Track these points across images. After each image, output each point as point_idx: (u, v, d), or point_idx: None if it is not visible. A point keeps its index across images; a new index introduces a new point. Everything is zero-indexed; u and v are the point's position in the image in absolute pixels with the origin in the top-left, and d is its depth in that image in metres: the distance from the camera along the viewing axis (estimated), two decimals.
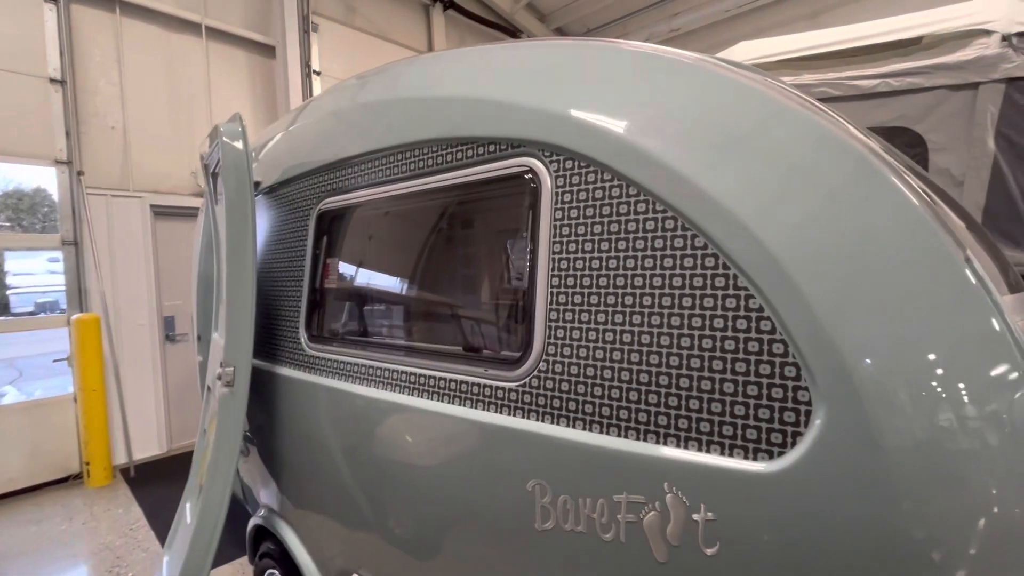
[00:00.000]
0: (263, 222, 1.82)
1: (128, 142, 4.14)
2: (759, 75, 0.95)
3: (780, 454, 0.70)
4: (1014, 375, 0.65)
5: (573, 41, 1.06)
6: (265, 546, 1.76)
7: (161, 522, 3.15)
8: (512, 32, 7.40)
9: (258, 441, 1.75)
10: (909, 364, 0.65)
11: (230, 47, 4.74)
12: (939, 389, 0.64)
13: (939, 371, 0.65)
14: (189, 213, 4.53)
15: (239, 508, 2.34)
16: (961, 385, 0.64)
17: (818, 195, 0.73)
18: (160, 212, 4.38)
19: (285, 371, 1.57)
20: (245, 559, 2.71)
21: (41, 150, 3.75)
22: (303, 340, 1.51)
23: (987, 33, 2.74)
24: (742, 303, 0.74)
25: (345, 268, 1.50)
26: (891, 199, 0.72)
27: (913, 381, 0.64)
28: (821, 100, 3.19)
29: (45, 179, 3.88)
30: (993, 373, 0.65)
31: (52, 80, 3.76)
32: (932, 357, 0.65)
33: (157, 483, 3.78)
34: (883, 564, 0.64)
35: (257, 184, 1.82)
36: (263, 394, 1.65)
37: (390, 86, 1.34)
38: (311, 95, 5.00)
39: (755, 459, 0.71)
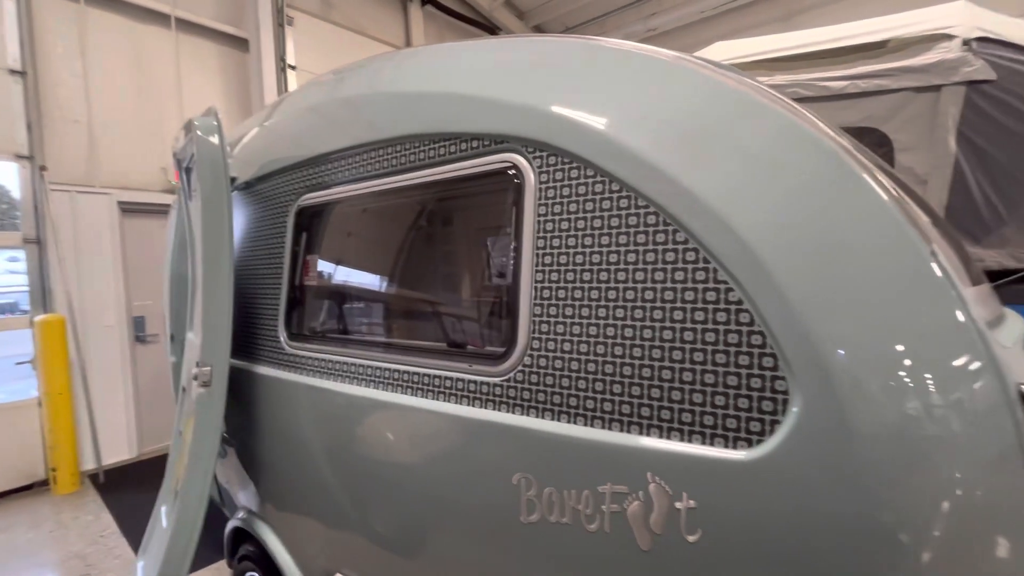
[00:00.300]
0: (239, 219, 1.78)
1: (94, 136, 4.00)
2: (737, 74, 0.97)
3: (759, 442, 0.72)
4: (976, 364, 0.69)
5: (556, 38, 1.07)
6: (244, 548, 1.73)
7: (133, 528, 3.06)
8: (491, 29, 7.39)
9: (236, 442, 1.72)
10: (879, 354, 0.68)
11: (201, 39, 4.61)
12: (907, 378, 0.67)
13: (907, 361, 0.68)
14: (159, 210, 4.40)
15: (215, 511, 2.29)
16: (927, 375, 0.67)
17: (795, 192, 0.76)
18: (128, 209, 4.24)
19: (264, 370, 1.54)
20: (222, 563, 2.65)
21: (0, 144, 3.59)
22: (283, 339, 1.49)
23: (949, 38, 2.85)
24: (722, 296, 0.76)
25: (325, 265, 1.48)
26: (863, 196, 0.74)
27: (883, 370, 0.67)
28: (793, 100, 3.27)
29: (4, 174, 3.71)
30: (957, 363, 0.69)
31: (12, 71, 3.60)
32: (901, 348, 0.68)
33: (128, 488, 3.67)
34: (858, 546, 0.66)
35: (233, 180, 1.78)
36: (241, 394, 1.62)
37: (371, 81, 1.33)
38: (286, 90, 4.91)
39: (735, 447, 0.73)
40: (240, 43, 4.84)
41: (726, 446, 0.74)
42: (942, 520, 0.66)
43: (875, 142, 3.08)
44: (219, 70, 4.75)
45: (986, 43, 2.79)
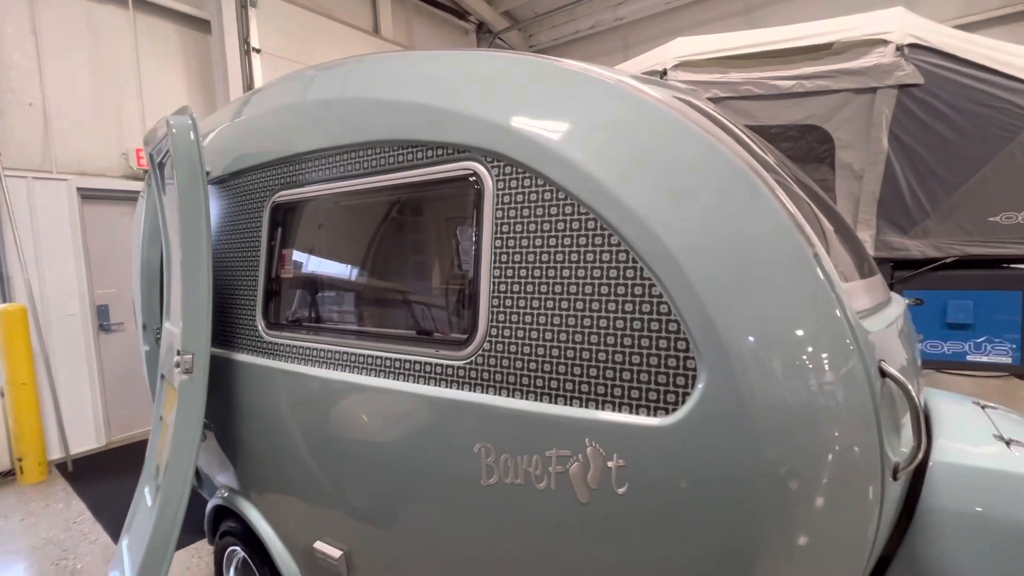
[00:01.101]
0: (214, 212, 1.84)
1: (49, 120, 3.88)
2: (671, 94, 1.11)
3: (673, 410, 0.88)
4: (845, 348, 0.86)
5: (516, 55, 1.19)
6: (226, 525, 1.83)
7: (107, 514, 3.10)
8: (460, 14, 7.36)
9: (216, 426, 1.81)
10: (768, 340, 0.84)
11: (160, 20, 4.49)
12: (789, 360, 0.83)
13: (789, 345, 0.84)
14: (121, 197, 4.32)
15: (192, 494, 2.38)
16: (805, 356, 0.84)
17: (708, 205, 0.91)
18: (88, 196, 4.15)
19: (243, 357, 1.63)
20: (200, 544, 2.74)
21: None
22: (260, 327, 1.58)
23: (884, 43, 3.08)
24: (647, 290, 0.91)
25: (301, 259, 1.57)
26: (762, 209, 0.90)
27: (770, 353, 0.83)
28: (745, 98, 3.47)
29: None
30: (829, 347, 0.85)
31: None
32: (784, 335, 0.84)
33: (98, 477, 3.67)
34: (751, 494, 0.83)
35: (207, 174, 1.83)
36: (221, 380, 1.71)
37: (345, 84, 1.41)
38: (250, 74, 4.83)
39: (655, 415, 0.89)
40: (202, 24, 4.73)
41: (648, 414, 0.90)
42: (818, 473, 0.83)
43: (818, 139, 3.32)
44: (180, 52, 4.64)
45: (917, 49, 3.03)
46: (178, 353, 1.53)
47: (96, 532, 2.91)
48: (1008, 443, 1.13)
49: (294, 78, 1.65)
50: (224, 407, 1.72)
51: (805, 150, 3.43)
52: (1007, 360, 2.94)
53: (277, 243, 1.59)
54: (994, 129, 2.85)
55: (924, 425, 0.91)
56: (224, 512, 1.87)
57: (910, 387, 0.90)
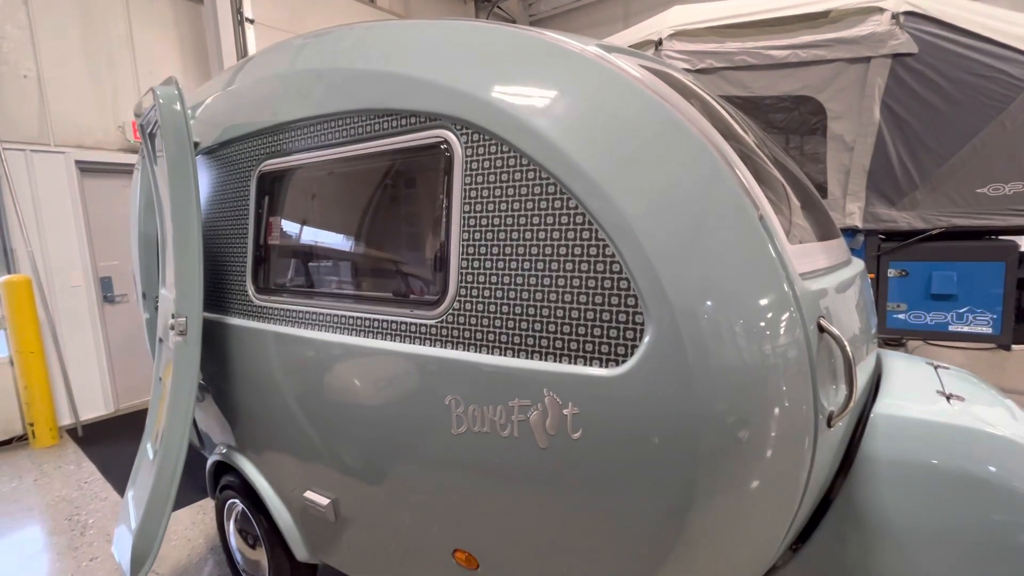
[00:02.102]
0: (205, 182, 1.90)
1: (44, 92, 3.90)
2: (638, 63, 1.14)
3: (623, 362, 0.94)
4: (784, 306, 0.91)
5: (489, 25, 1.22)
6: (225, 479, 1.94)
7: (117, 475, 3.25)
8: None
9: (213, 387, 1.90)
10: (711, 297, 0.90)
11: None
12: (730, 315, 0.89)
13: (732, 302, 0.90)
14: (120, 170, 4.36)
15: (197, 458, 2.50)
16: (745, 312, 0.90)
17: (658, 170, 0.95)
18: (87, 169, 4.20)
19: (235, 321, 1.71)
20: (202, 503, 2.88)
21: None
22: (251, 292, 1.66)
23: (880, 11, 3.04)
24: (601, 251, 0.96)
25: (287, 226, 1.63)
26: (710, 175, 0.95)
27: (712, 308, 0.89)
28: (739, 68, 3.45)
29: None
30: (770, 305, 0.91)
31: None
32: (728, 292, 0.90)
33: (107, 441, 3.83)
34: (691, 440, 0.90)
35: (196, 145, 1.88)
36: (215, 343, 1.79)
37: (329, 54, 1.44)
38: (244, 45, 4.80)
39: (606, 366, 0.96)
40: None
41: (601, 366, 0.97)
42: (753, 419, 0.90)
43: (811, 111, 3.31)
44: (173, 23, 4.60)
45: (913, 17, 2.99)
46: (173, 316, 1.61)
47: (106, 491, 3.06)
48: (949, 398, 1.20)
49: (280, 48, 1.68)
50: (219, 369, 1.81)
51: (799, 121, 3.42)
52: (988, 330, 2.99)
53: (264, 211, 1.65)
54: (985, 99, 2.84)
55: (852, 376, 0.97)
56: (223, 468, 1.98)
57: (844, 342, 0.97)
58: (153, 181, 1.95)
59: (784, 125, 3.42)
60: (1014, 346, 3.24)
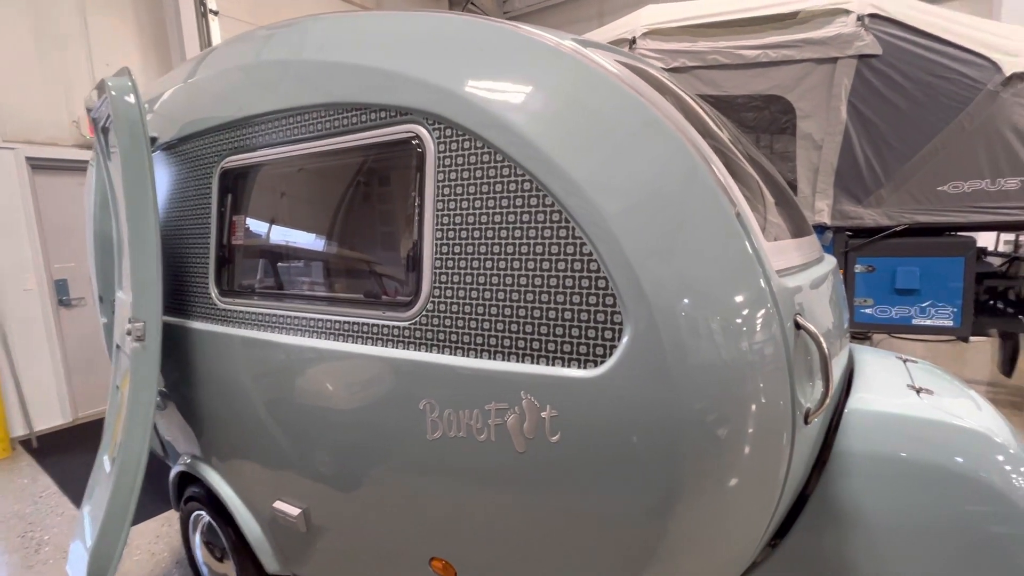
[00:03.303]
0: (163, 179, 1.80)
1: None
2: (615, 59, 1.12)
3: (601, 363, 0.92)
4: (762, 304, 0.91)
5: (461, 17, 1.18)
6: (190, 490, 1.85)
7: (75, 488, 3.09)
8: None
9: (175, 394, 1.81)
10: (689, 296, 0.88)
11: None
12: (709, 314, 0.88)
13: (710, 301, 0.88)
14: (74, 167, 4.15)
15: (160, 466, 2.39)
16: (723, 310, 0.89)
17: (637, 167, 0.93)
18: (39, 166, 3.98)
19: (197, 325, 1.63)
20: (167, 514, 2.77)
21: None
22: (214, 295, 1.58)
23: (846, 13, 3.11)
24: (578, 249, 0.94)
25: (253, 225, 1.56)
26: (689, 173, 0.93)
27: (690, 306, 0.88)
28: (712, 67, 3.50)
29: None
30: (747, 303, 0.90)
31: None
32: (706, 291, 0.89)
33: (65, 452, 3.64)
34: (672, 440, 0.89)
35: (153, 140, 1.79)
36: (176, 349, 1.71)
37: (295, 46, 1.38)
38: (208, 38, 4.63)
39: (584, 368, 0.94)
40: None
41: (579, 367, 0.94)
42: (733, 418, 0.89)
43: (781, 110, 3.36)
44: (132, 14, 4.40)
45: (877, 19, 3.07)
46: (130, 321, 1.52)
47: (63, 505, 2.91)
48: (919, 391, 1.22)
49: (244, 39, 1.61)
50: (182, 375, 1.72)
51: (769, 120, 3.48)
52: (949, 323, 3.10)
53: (228, 210, 1.58)
54: (945, 100, 2.94)
55: (828, 372, 0.98)
56: (187, 478, 1.89)
57: (821, 339, 0.97)
58: (107, 178, 1.85)
59: (755, 124, 3.47)
60: (972, 338, 3.37)
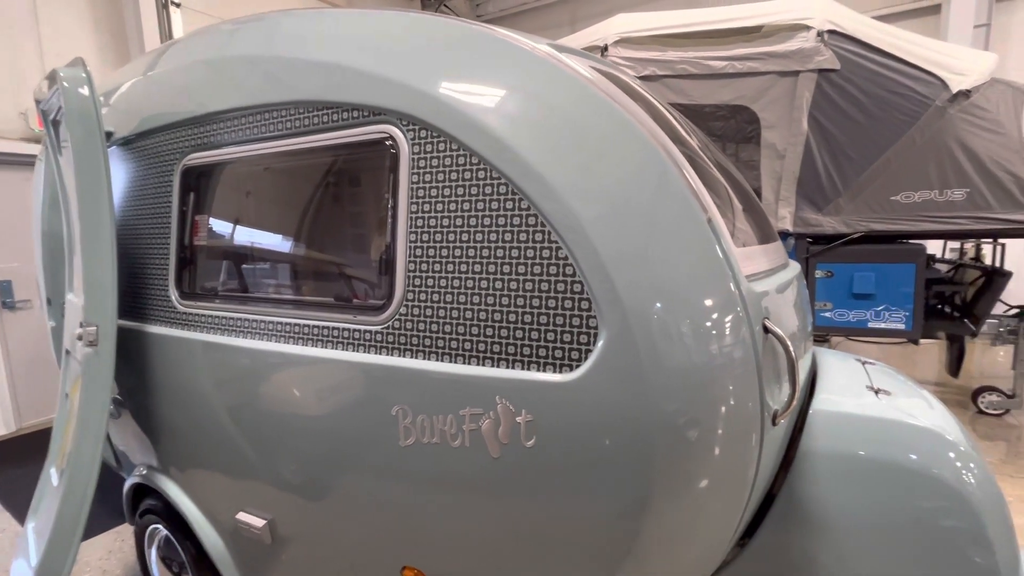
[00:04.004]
0: (119, 176, 1.72)
1: None
2: (590, 65, 1.13)
3: (576, 367, 0.92)
4: (732, 308, 0.93)
5: (436, 18, 1.17)
6: (146, 503, 1.77)
7: (18, 502, 2.90)
8: None
9: (131, 402, 1.72)
10: (660, 298, 0.89)
11: None
12: (682, 316, 0.90)
13: (682, 305, 0.90)
14: (21, 161, 3.92)
15: (113, 478, 2.27)
16: (695, 314, 0.90)
17: (615, 176, 0.94)
18: None
19: (155, 329, 1.56)
20: (120, 529, 2.63)
21: None
22: (174, 297, 1.51)
23: (807, 28, 3.24)
24: (554, 253, 0.94)
25: (217, 225, 1.50)
26: (662, 179, 0.95)
27: (663, 310, 0.89)
28: (681, 76, 3.58)
29: None
30: (718, 307, 0.92)
31: None
32: (678, 295, 0.90)
33: (7, 464, 3.42)
34: (645, 443, 0.89)
35: (109, 134, 1.70)
36: (132, 354, 1.63)
37: (264, 41, 1.34)
38: (169, 30, 4.46)
39: (559, 372, 0.94)
40: None
41: (554, 371, 0.94)
42: (705, 421, 0.91)
43: (746, 119, 3.48)
44: (87, 4, 4.20)
45: (835, 36, 3.21)
46: (81, 325, 1.44)
47: (4, 521, 2.72)
48: (877, 392, 1.27)
49: (209, 32, 1.55)
50: (138, 381, 1.64)
51: (735, 129, 3.59)
52: (901, 326, 3.25)
53: (190, 209, 1.51)
54: (898, 114, 3.09)
55: (796, 375, 1.01)
56: (144, 490, 1.80)
57: (788, 342, 1.00)
58: (58, 174, 1.75)
59: (722, 132, 3.58)
60: (922, 340, 3.55)
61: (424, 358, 1.06)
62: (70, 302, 1.70)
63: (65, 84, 1.38)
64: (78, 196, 1.42)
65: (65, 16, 4.06)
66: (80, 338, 1.43)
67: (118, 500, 2.74)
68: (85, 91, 1.40)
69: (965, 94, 2.97)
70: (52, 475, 1.71)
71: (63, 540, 1.47)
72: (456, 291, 1.02)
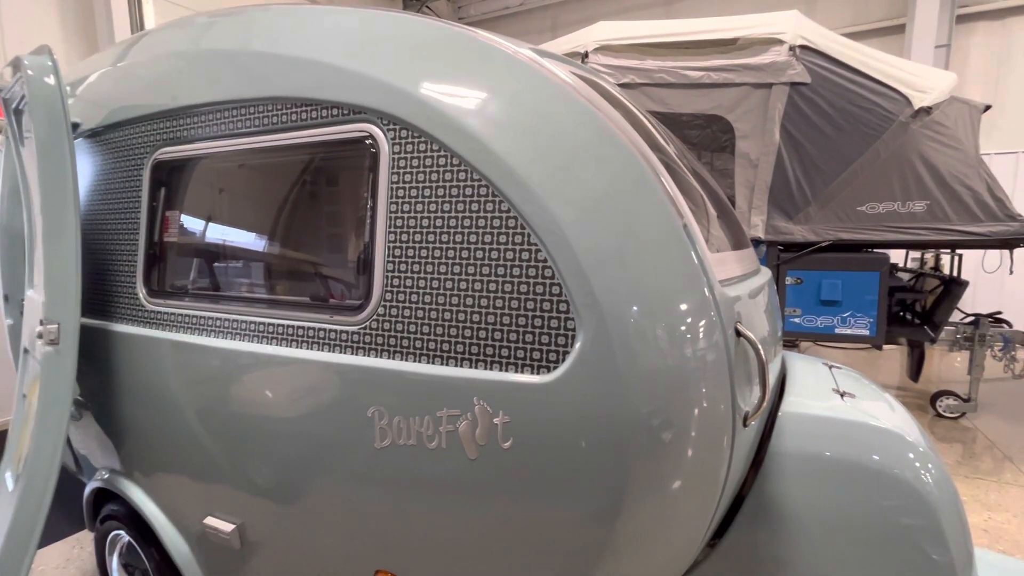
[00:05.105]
0: (85, 168, 1.66)
1: None
2: (570, 70, 1.15)
3: (554, 368, 0.93)
4: (704, 312, 0.95)
5: (418, 18, 1.16)
6: (108, 508, 1.70)
7: None
8: None
9: (93, 403, 1.66)
10: (636, 301, 0.91)
11: None
12: (657, 320, 0.91)
13: (656, 308, 0.91)
14: None
15: (72, 483, 2.18)
16: (670, 317, 0.92)
17: (591, 177, 0.96)
18: None
19: (122, 328, 1.51)
20: (81, 535, 2.53)
21: None
22: (141, 295, 1.47)
23: (780, 42, 3.34)
24: (533, 255, 0.95)
25: (189, 222, 1.46)
26: (640, 184, 0.97)
27: (639, 314, 0.91)
28: (659, 85, 3.65)
29: None
30: (691, 311, 0.94)
31: None
32: (653, 299, 0.92)
33: None
34: (620, 444, 0.91)
35: (76, 126, 1.64)
36: (95, 353, 1.57)
37: (242, 35, 1.32)
38: (140, 22, 4.33)
39: (537, 373, 0.94)
40: None
41: (532, 373, 0.95)
42: (677, 423, 0.92)
43: (722, 129, 3.56)
44: None
45: (807, 51, 3.32)
46: (41, 323, 1.39)
47: None
48: (843, 395, 1.32)
49: (184, 24, 1.51)
50: (101, 382, 1.58)
51: (710, 138, 3.67)
52: (866, 332, 3.38)
53: (160, 204, 1.47)
54: (865, 128, 3.22)
55: (766, 377, 1.04)
56: (105, 495, 1.73)
57: (759, 346, 1.02)
58: (19, 165, 1.68)
59: (698, 141, 3.66)
60: (885, 346, 3.69)
61: (402, 359, 1.05)
62: (30, 299, 1.63)
63: (30, 72, 1.33)
64: (41, 188, 1.36)
65: (28, 3, 3.90)
66: (40, 336, 1.37)
67: (76, 506, 2.63)
68: (51, 80, 1.35)
69: (927, 111, 3.10)
70: (7, 479, 1.63)
71: (18, 547, 1.40)
72: (435, 292, 1.02)
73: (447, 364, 1.01)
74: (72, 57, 4.13)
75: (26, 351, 1.67)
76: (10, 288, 2.14)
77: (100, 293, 1.60)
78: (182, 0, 4.70)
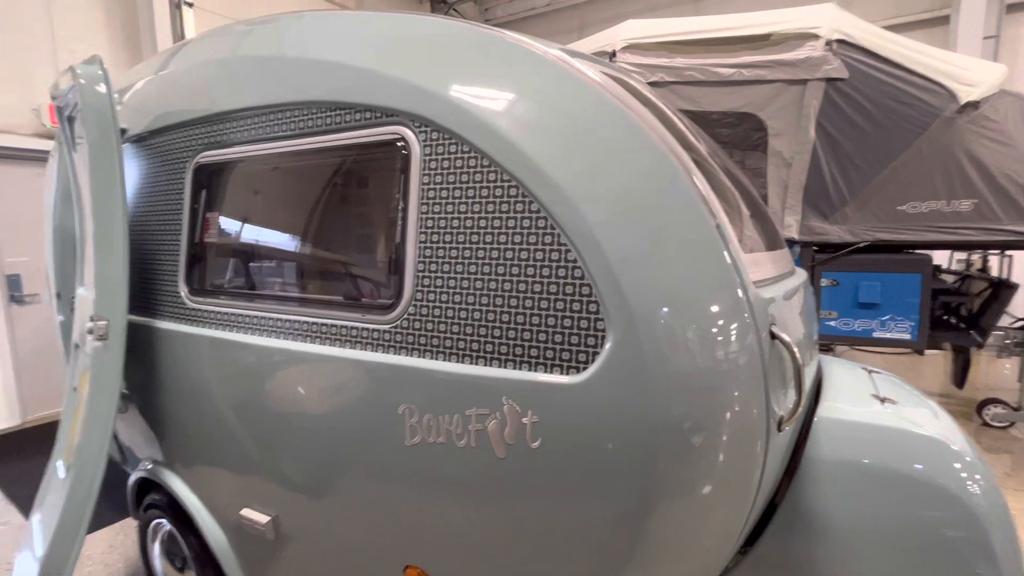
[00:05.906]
0: (132, 172, 1.74)
1: None
2: (601, 71, 1.14)
3: (584, 369, 0.93)
4: (739, 314, 0.93)
5: (450, 21, 1.18)
6: (150, 497, 1.78)
7: (22, 495, 2.92)
8: None
9: (138, 397, 1.74)
10: (668, 303, 0.90)
11: None
12: (690, 321, 0.90)
13: (690, 310, 0.90)
14: (33, 156, 3.96)
15: (117, 472, 2.28)
16: (702, 319, 0.91)
17: (625, 180, 0.95)
18: None
19: (164, 325, 1.57)
20: (123, 523, 2.64)
21: None
22: (183, 293, 1.53)
23: (816, 37, 3.24)
24: (563, 255, 0.95)
25: (228, 223, 1.52)
26: (672, 184, 0.96)
27: (671, 315, 0.90)
28: (689, 83, 3.59)
29: None
30: (725, 313, 0.92)
31: None
32: (686, 299, 0.90)
33: (13, 457, 3.44)
34: (650, 446, 0.90)
35: (123, 131, 1.72)
36: (140, 349, 1.64)
37: (277, 42, 1.36)
38: (181, 30, 4.50)
39: (567, 373, 0.94)
40: None
41: (561, 373, 0.95)
42: (712, 426, 0.91)
43: (753, 127, 3.48)
44: (100, 3, 4.25)
45: (844, 45, 3.21)
46: (91, 319, 1.46)
47: (9, 513, 2.74)
48: (883, 401, 1.27)
49: (222, 32, 1.57)
50: (146, 377, 1.65)
51: (741, 136, 3.59)
52: (907, 337, 3.24)
53: (201, 206, 1.53)
54: (906, 124, 3.09)
55: (801, 381, 1.01)
56: (148, 485, 1.81)
57: (795, 349, 1.00)
58: (71, 170, 1.77)
59: (729, 139, 3.58)
60: (927, 351, 3.54)
61: (432, 358, 1.07)
62: (81, 296, 1.71)
63: (82, 81, 1.40)
64: (92, 192, 1.44)
65: (78, 16, 4.11)
66: (90, 332, 1.44)
67: (121, 495, 2.76)
68: (102, 88, 1.42)
69: (974, 105, 2.96)
70: (59, 468, 1.72)
71: (68, 533, 1.48)
72: (465, 291, 1.03)
73: (476, 363, 1.02)
74: (118, 66, 4.33)
75: (77, 346, 1.76)
76: (62, 286, 2.26)
77: (145, 291, 1.67)
78: (220, 9, 4.86)
